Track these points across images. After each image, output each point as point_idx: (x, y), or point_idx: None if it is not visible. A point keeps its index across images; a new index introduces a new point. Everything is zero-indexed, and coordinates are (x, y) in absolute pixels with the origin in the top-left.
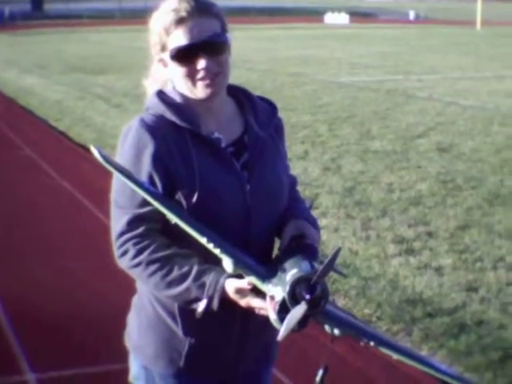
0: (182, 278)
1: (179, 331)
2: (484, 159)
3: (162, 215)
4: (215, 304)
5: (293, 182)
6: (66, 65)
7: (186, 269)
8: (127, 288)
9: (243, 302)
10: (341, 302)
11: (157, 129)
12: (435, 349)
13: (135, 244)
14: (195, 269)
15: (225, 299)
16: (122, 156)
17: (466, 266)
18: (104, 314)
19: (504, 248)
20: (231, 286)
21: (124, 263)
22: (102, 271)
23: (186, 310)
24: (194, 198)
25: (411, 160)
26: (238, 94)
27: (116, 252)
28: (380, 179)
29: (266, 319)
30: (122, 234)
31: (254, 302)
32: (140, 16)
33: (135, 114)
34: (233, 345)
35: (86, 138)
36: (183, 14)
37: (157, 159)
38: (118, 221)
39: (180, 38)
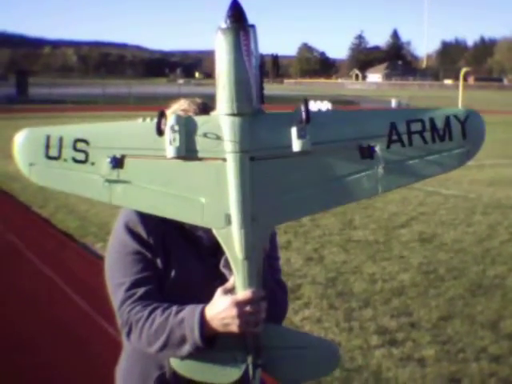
0: (164, 321)
1: None
2: (466, 249)
3: (158, 277)
4: (196, 335)
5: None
6: None
7: (166, 313)
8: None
9: (232, 308)
10: None
11: (138, 230)
12: None
13: (131, 310)
14: (174, 310)
15: (208, 328)
16: (110, 254)
17: (448, 357)
18: None
19: (486, 339)
20: (211, 304)
21: (131, 335)
22: (81, 361)
23: None
24: (167, 283)
25: (393, 250)
26: None
27: (122, 329)
28: (362, 269)
29: None
30: (122, 303)
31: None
32: (123, 102)
33: None
34: None
35: (68, 225)
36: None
37: (139, 253)
38: (117, 295)
39: None
